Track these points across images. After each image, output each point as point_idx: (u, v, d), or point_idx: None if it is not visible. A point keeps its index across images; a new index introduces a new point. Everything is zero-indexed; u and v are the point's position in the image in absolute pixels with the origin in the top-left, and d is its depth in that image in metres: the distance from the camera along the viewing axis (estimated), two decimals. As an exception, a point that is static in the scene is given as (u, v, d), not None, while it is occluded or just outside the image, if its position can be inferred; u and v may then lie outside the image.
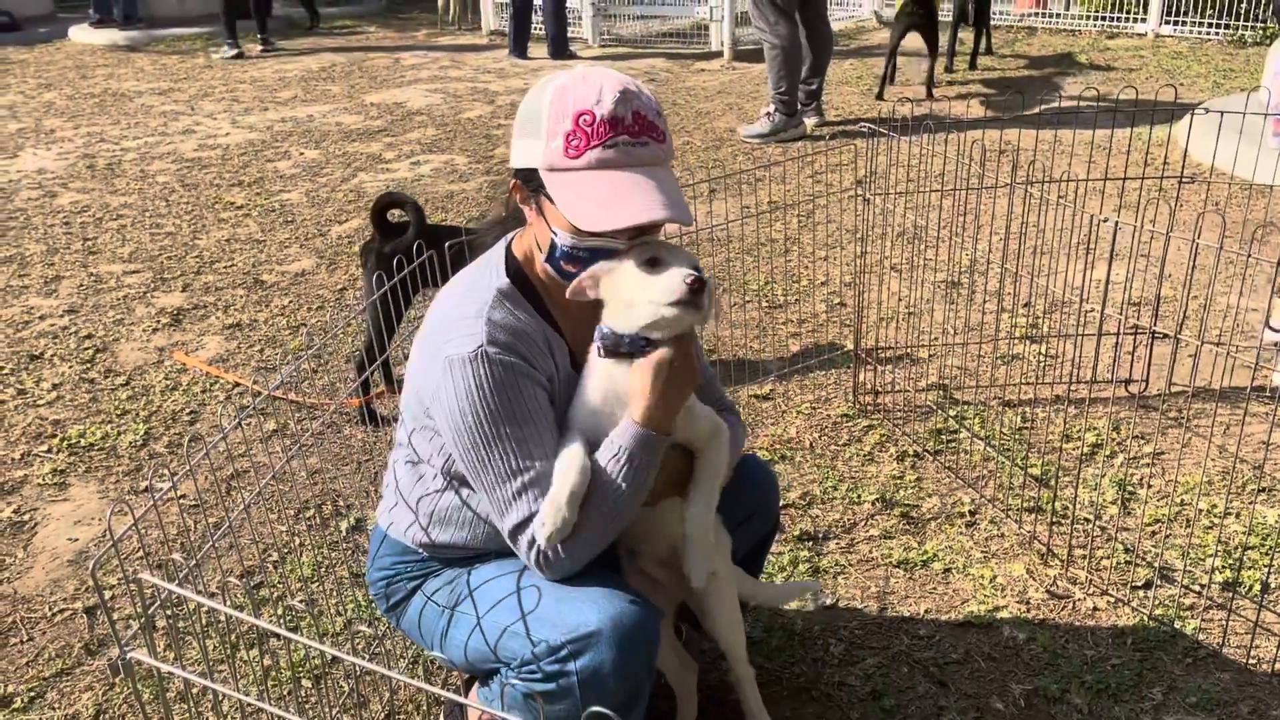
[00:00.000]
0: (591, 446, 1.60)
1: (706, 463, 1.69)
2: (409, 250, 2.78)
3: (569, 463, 1.56)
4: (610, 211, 1.51)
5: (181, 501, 2.87)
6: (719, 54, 8.65)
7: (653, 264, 1.55)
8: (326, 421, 3.22)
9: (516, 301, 1.64)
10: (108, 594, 2.51)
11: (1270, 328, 3.69)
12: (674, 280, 1.52)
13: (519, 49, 8.75)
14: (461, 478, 1.71)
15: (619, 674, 1.56)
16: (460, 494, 1.74)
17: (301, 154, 6.18)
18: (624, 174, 1.53)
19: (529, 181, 1.61)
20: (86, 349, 3.79)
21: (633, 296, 1.56)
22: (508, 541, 1.63)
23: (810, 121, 6.24)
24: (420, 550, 1.80)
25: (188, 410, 3.35)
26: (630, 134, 1.53)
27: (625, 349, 1.59)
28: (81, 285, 4.36)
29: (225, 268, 4.51)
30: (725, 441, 1.72)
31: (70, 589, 2.56)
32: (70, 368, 3.65)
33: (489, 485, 1.59)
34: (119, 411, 3.35)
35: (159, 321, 3.99)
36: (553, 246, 1.60)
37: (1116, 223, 2.19)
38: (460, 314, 1.61)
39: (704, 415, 1.69)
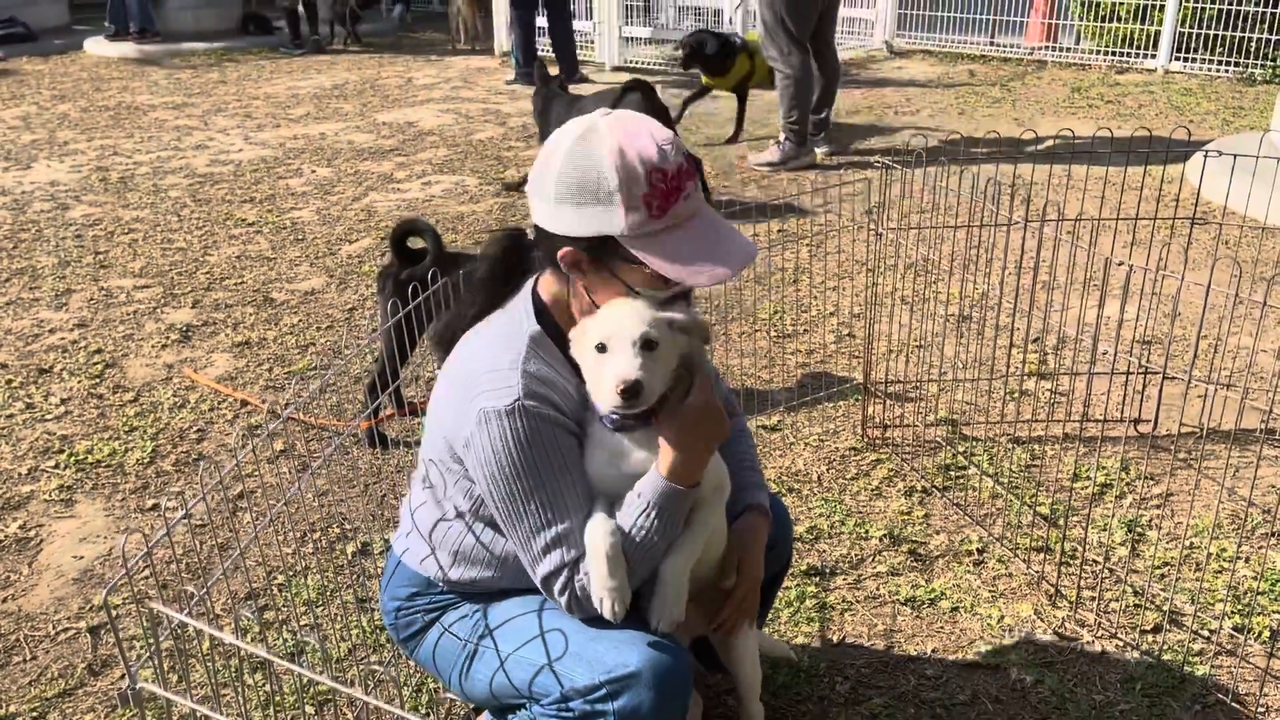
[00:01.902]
0: (611, 500, 1.63)
1: (700, 515, 1.68)
2: (425, 277, 2.79)
3: (597, 537, 1.58)
4: (716, 261, 1.56)
5: (187, 521, 2.86)
6: (730, 80, 8.68)
7: (601, 349, 1.55)
8: (337, 445, 3.21)
9: (548, 349, 1.64)
10: (111, 599, 2.50)
11: None
12: (607, 388, 1.53)
13: (527, 75, 8.78)
14: (489, 519, 1.72)
15: (656, 715, 1.58)
16: (483, 537, 1.74)
17: (313, 172, 6.21)
18: (701, 221, 1.59)
19: (599, 249, 1.58)
20: (96, 364, 3.79)
21: (591, 384, 1.59)
22: (540, 587, 1.64)
23: (820, 151, 6.27)
24: (439, 584, 1.80)
25: (195, 428, 3.35)
26: (690, 179, 1.57)
27: (623, 425, 1.60)
28: (92, 299, 4.38)
29: (235, 284, 4.52)
30: (725, 497, 1.74)
31: (74, 607, 2.55)
32: (79, 382, 3.66)
33: (523, 536, 1.61)
34: (127, 428, 3.35)
35: (168, 338, 4.00)
36: None
37: (1131, 267, 2.20)
38: (495, 364, 1.61)
39: (712, 472, 1.68)
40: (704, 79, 6.63)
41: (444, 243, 3.08)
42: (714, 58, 6.38)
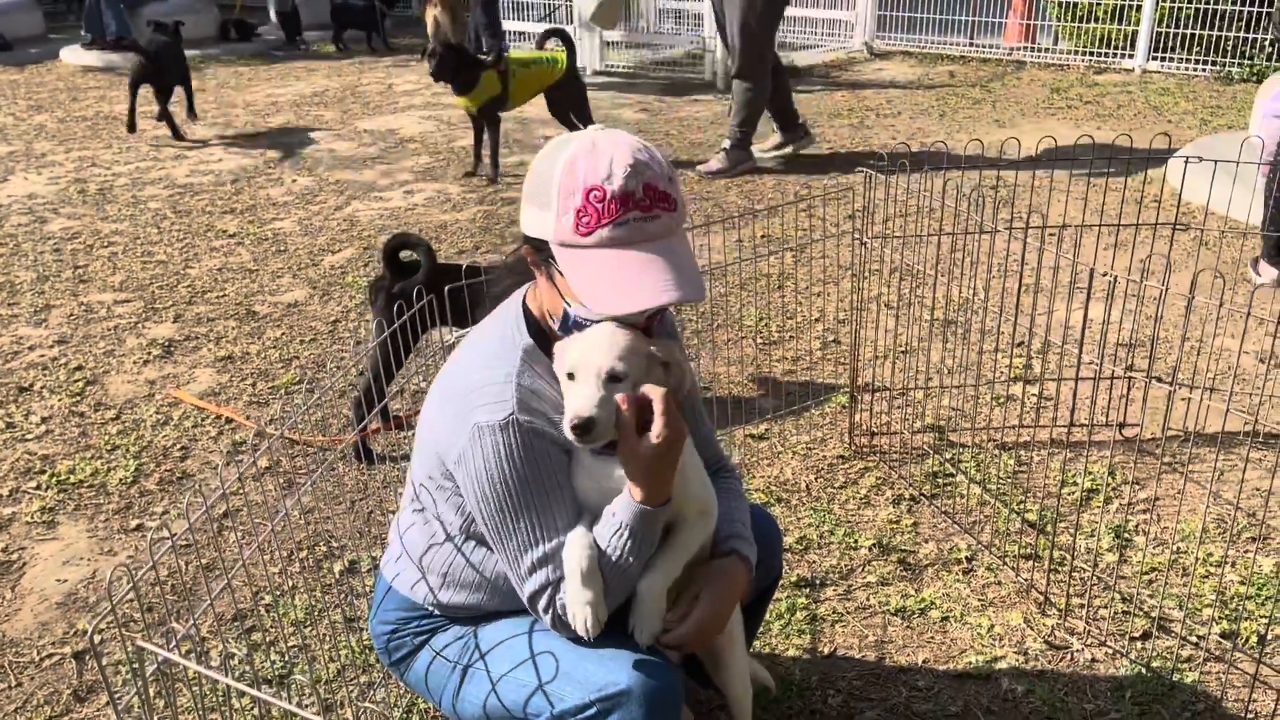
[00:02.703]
0: (594, 514, 1.62)
1: (680, 538, 1.67)
2: (417, 292, 2.78)
3: (573, 554, 1.58)
4: (622, 295, 1.49)
5: (166, 542, 2.83)
6: (712, 84, 8.69)
7: (570, 377, 1.54)
8: (322, 461, 3.19)
9: (540, 361, 1.63)
10: (95, 637, 2.48)
11: (1256, 272, 4.16)
12: (566, 422, 1.52)
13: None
14: (479, 538, 1.71)
15: None
16: (473, 558, 1.73)
17: (294, 181, 6.17)
18: (635, 253, 1.50)
19: (540, 250, 1.59)
20: (76, 381, 3.76)
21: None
22: (526, 604, 1.63)
23: (789, 149, 6.36)
24: (429, 608, 1.79)
25: (179, 446, 3.32)
26: (642, 209, 1.50)
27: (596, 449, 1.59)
28: (72, 315, 4.34)
29: (217, 298, 4.49)
30: (709, 526, 1.72)
31: (59, 632, 2.52)
32: (60, 400, 3.62)
33: (512, 553, 1.61)
34: (109, 446, 3.32)
35: (150, 353, 3.97)
36: (565, 316, 1.59)
37: (1114, 277, 2.20)
38: (488, 378, 1.60)
39: (696, 497, 1.67)
40: (458, 100, 6.05)
41: (436, 256, 3.07)
42: (459, 73, 5.81)
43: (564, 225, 1.51)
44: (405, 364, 3.11)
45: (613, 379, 1.51)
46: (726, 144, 6.12)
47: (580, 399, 1.51)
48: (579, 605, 1.56)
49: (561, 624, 1.61)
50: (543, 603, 1.61)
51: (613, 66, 9.39)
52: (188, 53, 9.84)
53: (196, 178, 6.29)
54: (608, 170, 1.49)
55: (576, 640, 1.62)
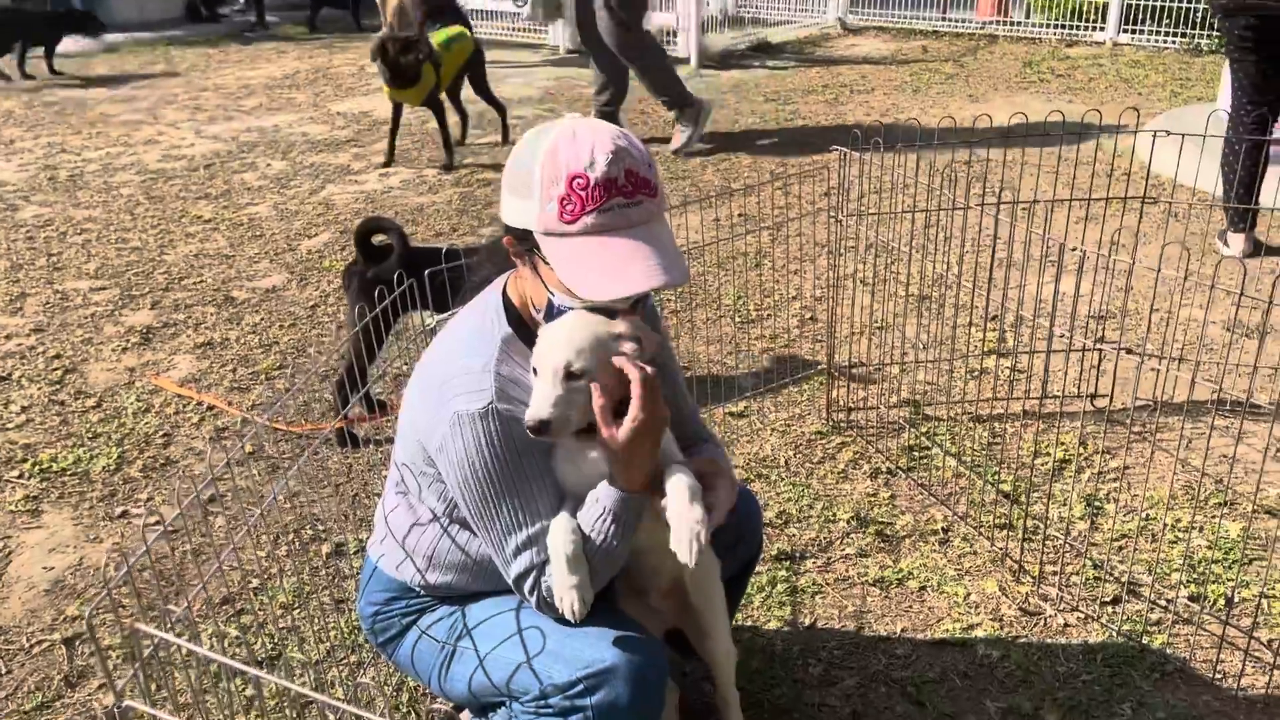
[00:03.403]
0: (577, 498, 1.65)
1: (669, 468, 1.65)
2: (392, 276, 2.79)
3: (558, 539, 1.60)
4: (609, 280, 1.50)
5: (157, 527, 2.85)
6: (686, 60, 8.68)
7: (535, 372, 1.57)
8: (306, 446, 3.21)
9: (519, 350, 1.65)
10: (86, 623, 2.50)
11: (1224, 244, 4.31)
12: (525, 421, 1.54)
13: None
14: (463, 522, 1.74)
15: (634, 709, 1.62)
16: (458, 539, 1.76)
17: (268, 165, 6.14)
18: (621, 240, 1.52)
19: (523, 240, 1.60)
20: (55, 369, 3.75)
21: None
22: (512, 586, 1.66)
23: (702, 129, 6.24)
24: (416, 589, 1.82)
25: (161, 432, 3.32)
26: (625, 195, 1.51)
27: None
28: (48, 303, 4.32)
29: (194, 284, 4.48)
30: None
31: (47, 619, 2.54)
32: (39, 389, 3.62)
33: (496, 537, 1.63)
34: (91, 434, 3.32)
35: (128, 340, 3.96)
36: (550, 306, 1.60)
37: (1084, 252, 2.25)
38: (467, 366, 1.62)
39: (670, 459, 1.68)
40: (387, 91, 5.86)
41: (409, 240, 3.08)
42: (398, 67, 5.59)
43: (548, 214, 1.52)
44: (384, 349, 3.12)
45: (570, 376, 1.53)
46: (674, 116, 6.14)
47: (536, 399, 1.54)
48: (564, 589, 1.60)
49: (547, 606, 1.64)
50: (528, 585, 1.64)
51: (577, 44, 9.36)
52: (153, 35, 9.67)
53: (168, 163, 6.24)
54: (590, 157, 1.50)
55: (563, 620, 1.66)
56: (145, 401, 3.52)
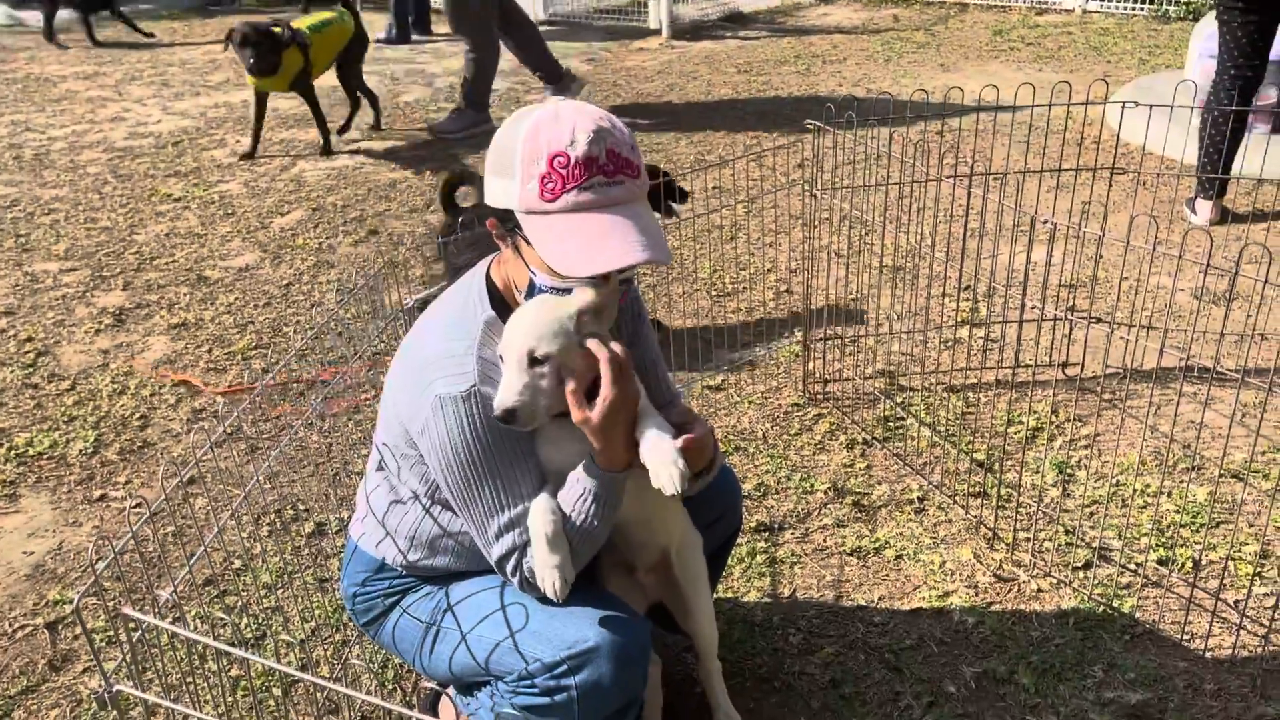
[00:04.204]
0: (558, 479, 1.66)
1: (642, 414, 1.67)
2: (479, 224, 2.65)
3: (538, 519, 1.62)
4: (590, 257, 1.51)
5: (138, 511, 2.85)
6: (657, 32, 8.64)
7: (502, 360, 1.58)
8: (284, 427, 3.21)
9: (501, 333, 1.66)
10: (68, 608, 2.50)
11: (1192, 211, 4.37)
12: (495, 406, 1.55)
13: (402, 34, 8.62)
14: (444, 503, 1.75)
15: (618, 687, 1.64)
16: (440, 519, 1.77)
17: (238, 141, 6.07)
18: (602, 216, 1.53)
19: (505, 220, 1.60)
20: (27, 352, 3.72)
21: None
22: (495, 567, 1.68)
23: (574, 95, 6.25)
24: (398, 568, 1.84)
25: (138, 415, 3.31)
26: (605, 174, 1.52)
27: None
28: (17, 285, 4.27)
29: (166, 264, 4.44)
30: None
31: (29, 604, 2.54)
32: (12, 373, 3.59)
33: (478, 519, 1.64)
34: (66, 418, 3.30)
35: (101, 322, 3.93)
36: (531, 286, 1.61)
37: (1054, 224, 2.28)
38: (449, 349, 1.63)
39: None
40: (250, 80, 5.56)
41: None
42: (259, 56, 5.32)
43: (529, 192, 1.53)
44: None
45: (534, 362, 1.55)
46: (461, 105, 6.01)
47: (503, 387, 1.56)
48: (546, 569, 1.62)
49: (530, 586, 1.66)
50: (510, 566, 1.66)
51: (557, 16, 9.29)
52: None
53: (135, 140, 6.16)
54: (570, 136, 1.51)
55: (545, 600, 1.67)
56: (120, 384, 3.50)
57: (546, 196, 1.52)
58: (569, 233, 1.52)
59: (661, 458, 1.59)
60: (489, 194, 1.61)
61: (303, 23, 5.62)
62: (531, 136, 1.53)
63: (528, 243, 1.57)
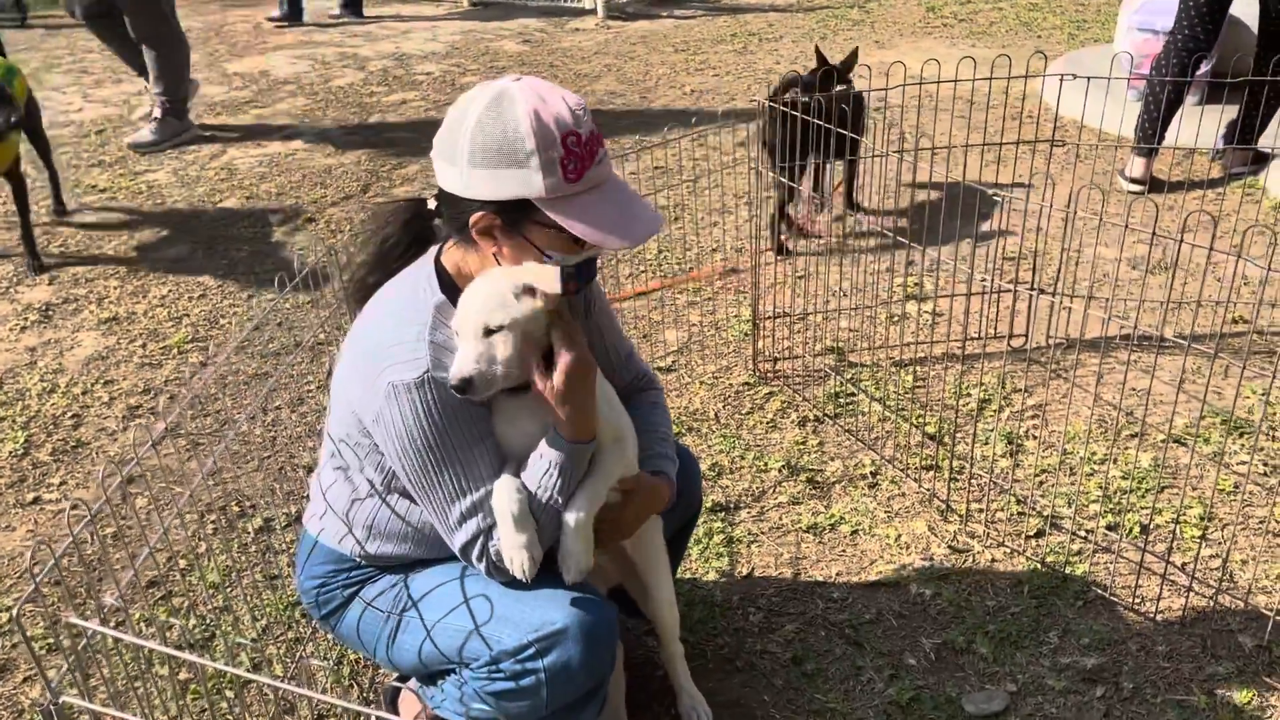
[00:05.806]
0: (518, 460, 1.64)
1: (598, 466, 1.68)
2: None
3: (503, 499, 1.59)
4: (626, 225, 1.57)
5: (76, 513, 2.75)
6: (592, 11, 8.55)
7: (458, 336, 1.58)
8: (225, 421, 3.12)
9: (452, 317, 1.62)
10: (5, 616, 2.41)
11: (1125, 178, 4.46)
12: (451, 376, 1.55)
13: (354, 6, 8.52)
14: (402, 491, 1.71)
15: (586, 668, 1.63)
16: (397, 509, 1.73)
17: (165, 129, 5.88)
18: (614, 187, 1.60)
19: (512, 212, 1.57)
20: (-50, 352, 3.57)
21: None
22: (458, 554, 1.65)
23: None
24: (357, 559, 1.79)
25: (70, 414, 3.20)
26: (601, 145, 1.58)
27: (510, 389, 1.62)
28: (-64, 282, 4.09)
29: (94, 256, 4.29)
30: (626, 450, 1.75)
31: (-38, 614, 2.44)
32: (-66, 374, 3.44)
33: (438, 506, 1.61)
34: (-6, 419, 3.18)
35: (27, 319, 3.78)
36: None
37: (1000, 197, 2.29)
38: (400, 336, 1.59)
39: (609, 423, 1.70)
40: None
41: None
42: None
43: (554, 179, 1.53)
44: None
45: (488, 332, 1.54)
46: (157, 113, 5.56)
47: (459, 358, 1.55)
48: (514, 549, 1.59)
49: (497, 570, 1.63)
50: (475, 551, 1.63)
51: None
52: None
53: (55, 130, 5.93)
54: (570, 114, 1.54)
55: (511, 584, 1.65)
56: (50, 382, 3.37)
57: (570, 177, 1.54)
58: (595, 209, 1.56)
59: (569, 555, 1.64)
60: (488, 188, 1.56)
61: None
62: (536, 120, 1.52)
63: (545, 226, 1.57)
